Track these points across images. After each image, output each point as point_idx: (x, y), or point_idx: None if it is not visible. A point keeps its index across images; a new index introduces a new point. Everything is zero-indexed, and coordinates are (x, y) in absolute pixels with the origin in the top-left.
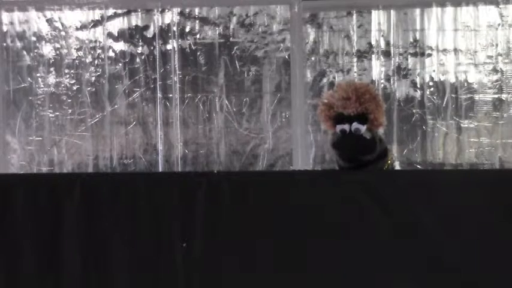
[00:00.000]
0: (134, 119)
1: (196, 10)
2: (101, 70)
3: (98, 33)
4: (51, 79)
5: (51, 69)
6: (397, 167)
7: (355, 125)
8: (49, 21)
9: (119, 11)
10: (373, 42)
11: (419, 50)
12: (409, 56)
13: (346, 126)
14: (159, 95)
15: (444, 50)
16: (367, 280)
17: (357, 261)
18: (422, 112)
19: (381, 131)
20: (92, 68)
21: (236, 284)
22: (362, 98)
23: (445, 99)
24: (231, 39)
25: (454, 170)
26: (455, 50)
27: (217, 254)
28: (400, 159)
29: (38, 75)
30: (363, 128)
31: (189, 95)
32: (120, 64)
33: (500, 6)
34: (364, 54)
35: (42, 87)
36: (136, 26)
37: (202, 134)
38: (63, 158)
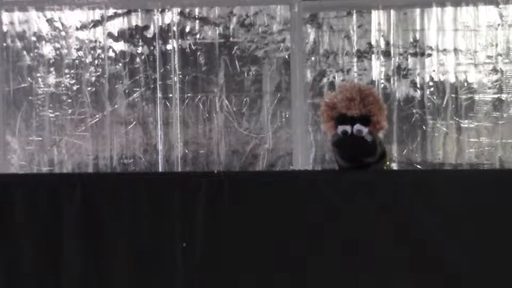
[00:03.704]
0: (134, 119)
1: (196, 10)
2: (101, 70)
3: (98, 33)
4: (51, 79)
5: (51, 69)
6: (394, 167)
7: (357, 126)
8: (49, 21)
9: (119, 11)
10: (373, 42)
11: (419, 50)
12: (409, 56)
13: (348, 128)
14: (159, 95)
15: (444, 50)
16: (367, 280)
17: (356, 261)
18: (422, 112)
19: (380, 134)
20: (92, 68)
21: (236, 284)
22: (366, 100)
23: (445, 99)
24: (231, 39)
25: (454, 170)
26: (455, 50)
27: (217, 254)
28: (400, 159)
29: (38, 75)
30: (365, 130)
31: (189, 95)
32: (120, 64)
33: (500, 6)
34: (364, 54)
35: (42, 87)
36: (137, 26)
37: (202, 134)
38: (63, 158)
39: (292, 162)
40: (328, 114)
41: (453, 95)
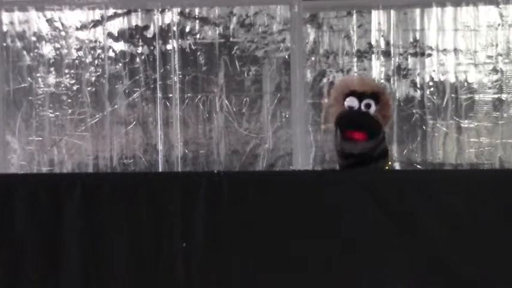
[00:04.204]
0: (134, 119)
1: (196, 10)
2: (101, 70)
3: (98, 33)
4: (51, 79)
5: (51, 69)
6: (397, 167)
7: (366, 100)
8: (49, 21)
9: (119, 11)
10: (373, 42)
11: (419, 50)
12: (409, 56)
13: (355, 101)
14: (159, 95)
15: (444, 50)
16: (367, 280)
17: (356, 261)
18: (422, 112)
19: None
20: (92, 68)
21: (236, 284)
22: (378, 85)
23: (445, 99)
24: (231, 39)
25: (454, 170)
26: (455, 50)
27: (217, 254)
28: (400, 159)
29: (38, 75)
30: (374, 107)
31: (189, 95)
32: (120, 64)
33: (500, 6)
34: (364, 54)
35: (42, 87)
36: (137, 26)
37: (202, 134)
38: (63, 158)
39: (292, 162)
40: (340, 89)
41: (453, 95)
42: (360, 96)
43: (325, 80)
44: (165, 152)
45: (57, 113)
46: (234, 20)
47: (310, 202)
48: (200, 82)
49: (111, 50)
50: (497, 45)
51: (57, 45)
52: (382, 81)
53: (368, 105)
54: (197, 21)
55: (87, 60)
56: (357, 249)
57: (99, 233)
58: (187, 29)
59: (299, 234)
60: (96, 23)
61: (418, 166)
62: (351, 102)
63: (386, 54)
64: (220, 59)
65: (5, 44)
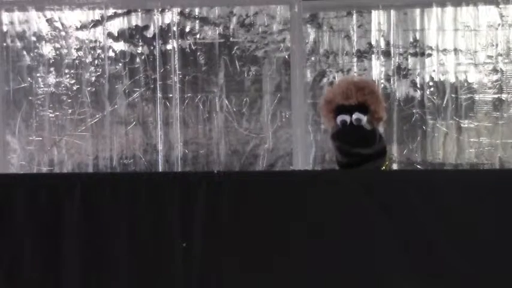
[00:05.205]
0: (134, 119)
1: (196, 10)
2: (101, 70)
3: (98, 33)
4: (51, 79)
5: (51, 69)
6: (394, 167)
7: (356, 114)
8: (49, 21)
9: (119, 11)
10: (373, 42)
11: (419, 50)
12: (409, 56)
13: (346, 117)
14: (159, 95)
15: (444, 50)
16: (366, 280)
17: (356, 261)
18: (422, 112)
19: (381, 129)
20: (92, 68)
21: (236, 284)
22: (362, 90)
23: (445, 99)
24: (231, 39)
25: (454, 170)
26: (455, 50)
27: (217, 254)
28: (400, 159)
29: (38, 75)
30: (364, 119)
31: (189, 95)
32: (120, 64)
33: (500, 6)
34: (364, 54)
35: (42, 87)
36: (137, 26)
37: (202, 134)
38: (63, 158)
39: (292, 162)
40: (327, 107)
41: (453, 95)
42: (350, 109)
43: (325, 80)
44: (165, 152)
45: (57, 113)
46: (234, 20)
47: (310, 202)
48: (200, 82)
49: (111, 50)
50: (497, 45)
51: (57, 45)
52: (382, 81)
53: (358, 120)
54: (197, 21)
55: (87, 60)
56: (356, 250)
57: (99, 233)
58: (187, 29)
59: (299, 234)
60: (96, 23)
61: (418, 166)
62: (342, 118)
63: (386, 54)
64: (220, 59)
65: (5, 44)
